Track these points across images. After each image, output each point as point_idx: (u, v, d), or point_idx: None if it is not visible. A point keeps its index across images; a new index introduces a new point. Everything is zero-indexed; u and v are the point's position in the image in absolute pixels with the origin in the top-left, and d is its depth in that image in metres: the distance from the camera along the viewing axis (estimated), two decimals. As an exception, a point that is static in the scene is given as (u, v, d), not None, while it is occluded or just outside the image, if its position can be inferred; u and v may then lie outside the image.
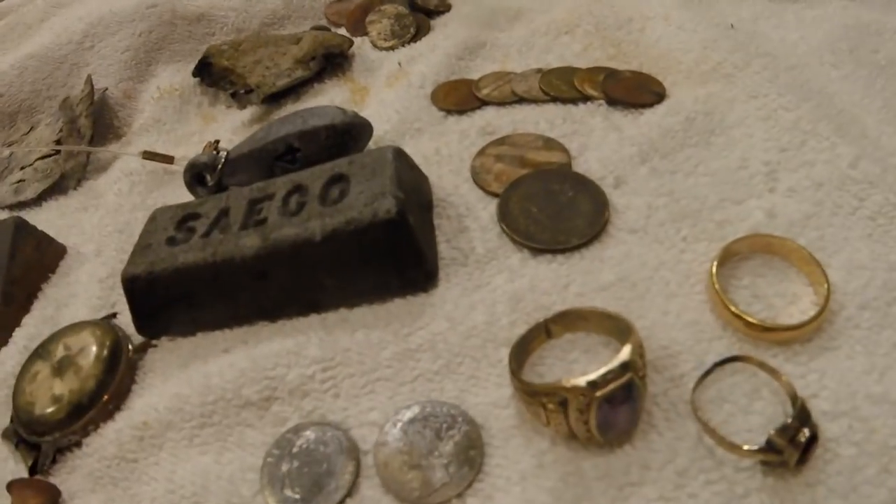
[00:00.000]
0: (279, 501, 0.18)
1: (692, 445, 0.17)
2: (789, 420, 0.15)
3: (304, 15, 0.36)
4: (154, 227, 0.24)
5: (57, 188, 0.33)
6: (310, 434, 0.18)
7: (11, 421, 0.24)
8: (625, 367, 0.15)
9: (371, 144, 0.26)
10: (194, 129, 0.32)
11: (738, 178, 0.23)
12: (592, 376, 0.15)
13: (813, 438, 0.15)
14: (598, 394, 0.15)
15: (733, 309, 0.18)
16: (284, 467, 0.18)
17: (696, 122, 0.24)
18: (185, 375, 0.21)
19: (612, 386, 0.15)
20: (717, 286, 0.19)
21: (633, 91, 0.26)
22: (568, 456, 0.17)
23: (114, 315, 0.26)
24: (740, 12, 0.29)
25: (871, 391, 0.17)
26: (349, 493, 0.17)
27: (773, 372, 0.17)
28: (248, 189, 0.23)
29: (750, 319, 0.18)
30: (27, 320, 0.27)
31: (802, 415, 0.16)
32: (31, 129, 0.37)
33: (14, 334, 0.27)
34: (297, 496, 0.18)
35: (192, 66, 0.34)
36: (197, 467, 0.19)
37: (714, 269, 0.19)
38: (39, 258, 0.29)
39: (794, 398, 0.16)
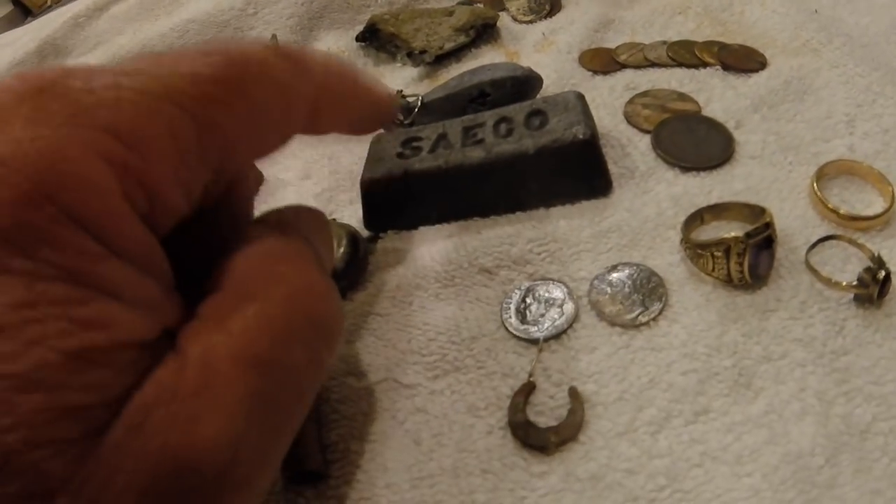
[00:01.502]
0: (518, 327, 0.29)
1: (808, 288, 0.28)
2: (871, 265, 0.27)
3: (443, -9, 0.48)
4: (381, 147, 0.35)
5: (236, 130, 0.44)
6: (537, 285, 0.30)
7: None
8: (767, 225, 0.27)
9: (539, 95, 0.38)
10: (364, 83, 0.43)
11: (826, 124, 0.34)
12: (747, 230, 0.27)
13: (887, 276, 0.27)
14: (751, 241, 0.27)
15: (829, 205, 0.30)
16: (521, 306, 0.29)
17: (793, 84, 0.36)
18: (422, 253, 0.32)
19: (760, 236, 0.27)
20: (817, 192, 0.31)
21: (742, 60, 0.37)
22: (725, 293, 0.28)
23: (332, 220, 0.37)
24: (822, -1, 0.41)
25: (924, 260, 0.29)
26: (574, 321, 0.28)
27: (857, 245, 0.29)
28: (459, 120, 0.34)
29: (841, 211, 0.30)
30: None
31: (879, 262, 0.27)
32: (196, 81, 0.48)
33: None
34: (534, 325, 0.29)
35: (350, 33, 0.46)
36: (445, 313, 0.30)
37: (814, 182, 0.31)
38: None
39: (872, 255, 0.28)
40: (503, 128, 0.33)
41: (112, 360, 0.16)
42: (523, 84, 0.36)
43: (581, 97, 0.33)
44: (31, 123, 0.16)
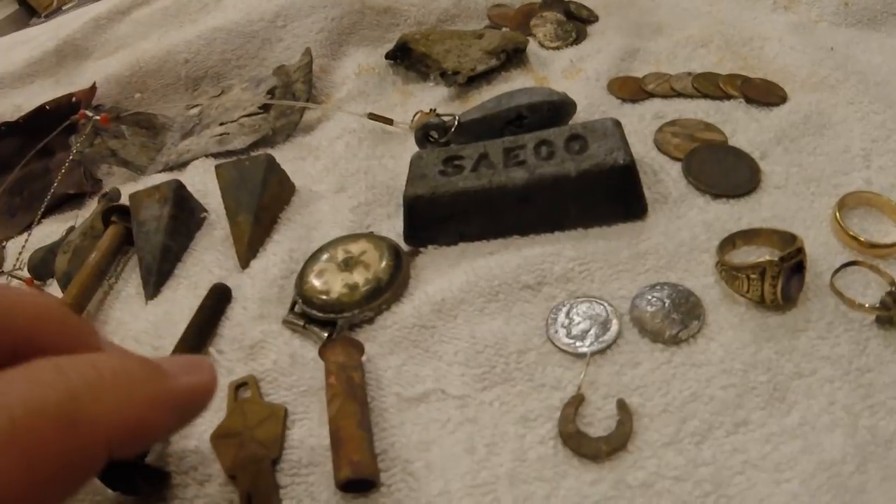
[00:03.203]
0: (565, 341, 0.32)
1: (833, 310, 0.32)
2: (892, 289, 0.31)
3: (470, 15, 0.51)
4: (423, 164, 0.38)
5: (263, 141, 0.47)
6: (580, 303, 0.33)
7: (292, 310, 0.37)
8: (800, 250, 0.31)
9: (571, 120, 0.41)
10: (394, 101, 0.46)
11: (844, 158, 0.39)
12: (782, 255, 0.30)
13: (908, 300, 0.31)
14: (786, 265, 0.30)
15: (851, 233, 0.34)
16: (566, 322, 0.32)
17: (812, 119, 0.40)
18: (464, 268, 0.35)
19: (793, 260, 0.30)
20: (839, 221, 0.35)
21: (764, 93, 0.42)
22: (758, 314, 0.32)
23: (371, 233, 0.39)
24: (836, 38, 0.45)
25: (937, 287, 0.33)
26: (617, 337, 0.32)
27: (878, 270, 0.33)
28: (500, 140, 0.37)
29: (861, 239, 0.34)
30: (280, 237, 0.40)
31: (900, 288, 0.31)
32: (222, 92, 0.51)
33: (267, 249, 0.40)
34: (580, 340, 0.32)
35: (380, 50, 0.49)
36: (491, 328, 0.33)
37: (836, 211, 0.35)
38: (281, 191, 0.43)
39: (892, 280, 0.32)
40: (544, 150, 0.36)
41: None
42: (559, 109, 0.39)
43: (618, 124, 0.37)
44: None
